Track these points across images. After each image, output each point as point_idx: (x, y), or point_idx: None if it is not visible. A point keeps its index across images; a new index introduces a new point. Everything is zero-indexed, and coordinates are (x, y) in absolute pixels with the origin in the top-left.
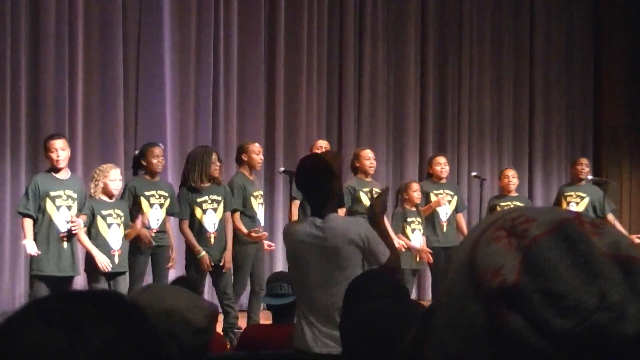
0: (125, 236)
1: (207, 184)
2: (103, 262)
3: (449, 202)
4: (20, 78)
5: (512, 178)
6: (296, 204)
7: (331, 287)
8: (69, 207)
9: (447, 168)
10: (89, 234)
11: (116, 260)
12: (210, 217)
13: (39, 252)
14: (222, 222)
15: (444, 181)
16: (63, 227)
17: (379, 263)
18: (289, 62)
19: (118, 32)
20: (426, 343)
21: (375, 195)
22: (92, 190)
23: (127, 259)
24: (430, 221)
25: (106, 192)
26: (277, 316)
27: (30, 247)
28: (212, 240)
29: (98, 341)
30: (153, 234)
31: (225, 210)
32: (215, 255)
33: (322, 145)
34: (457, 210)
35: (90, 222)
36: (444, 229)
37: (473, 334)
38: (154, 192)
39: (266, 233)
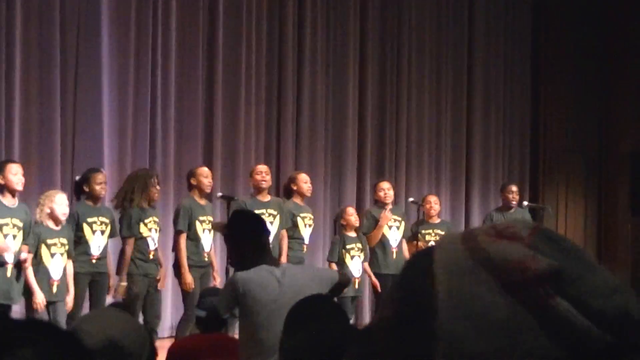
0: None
1: (146, 207)
2: (38, 301)
3: (397, 227)
4: None
5: (435, 204)
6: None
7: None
8: (14, 236)
9: (390, 193)
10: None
11: (54, 289)
12: (153, 236)
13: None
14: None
15: (389, 206)
16: (9, 258)
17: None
18: (228, 85)
19: (55, 56)
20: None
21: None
22: (37, 216)
23: (65, 286)
24: (380, 248)
25: (53, 217)
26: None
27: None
28: (151, 256)
29: None
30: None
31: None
32: (152, 272)
33: (262, 170)
34: (403, 235)
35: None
36: (394, 256)
37: (512, 327)
38: (95, 219)
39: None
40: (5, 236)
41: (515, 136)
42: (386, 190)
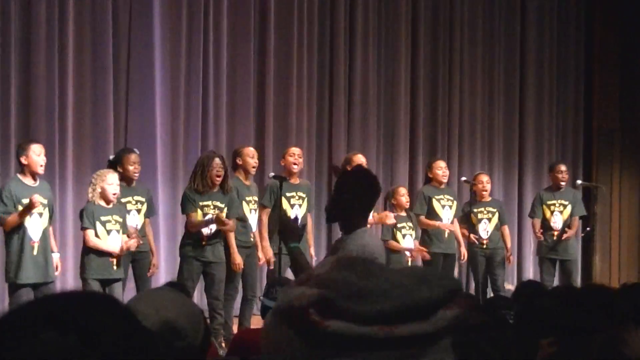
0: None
1: (211, 190)
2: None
3: (450, 207)
4: (10, 82)
5: (487, 184)
6: (267, 211)
7: None
8: (40, 214)
9: (447, 172)
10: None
11: (114, 267)
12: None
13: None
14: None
15: (443, 186)
16: (35, 236)
17: None
18: (280, 65)
19: (108, 38)
20: None
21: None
22: (89, 195)
23: (125, 266)
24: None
25: (104, 197)
26: None
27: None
28: (204, 242)
29: (106, 347)
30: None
31: (229, 217)
32: (208, 257)
33: (295, 152)
34: (454, 214)
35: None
36: (446, 236)
37: (300, 354)
38: (130, 199)
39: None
40: (30, 215)
41: (568, 116)
42: (443, 169)
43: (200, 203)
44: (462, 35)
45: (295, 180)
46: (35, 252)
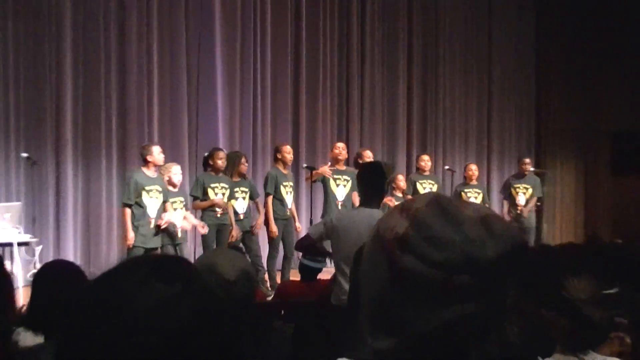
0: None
1: (238, 179)
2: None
3: (430, 189)
4: (111, 99)
5: (475, 171)
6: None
7: None
8: (157, 199)
9: (429, 163)
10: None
11: (179, 234)
12: (241, 203)
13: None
14: (249, 206)
15: (427, 173)
16: (153, 214)
17: None
18: (309, 81)
19: (182, 63)
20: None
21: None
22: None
23: (186, 233)
24: None
25: (171, 183)
26: (304, 277)
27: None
28: (242, 217)
29: (202, 292)
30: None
31: (252, 198)
32: (243, 226)
33: (340, 146)
34: None
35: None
36: None
37: (384, 278)
38: (217, 184)
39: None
40: (151, 199)
41: (523, 118)
42: (426, 161)
43: (234, 189)
44: (444, 60)
45: (341, 167)
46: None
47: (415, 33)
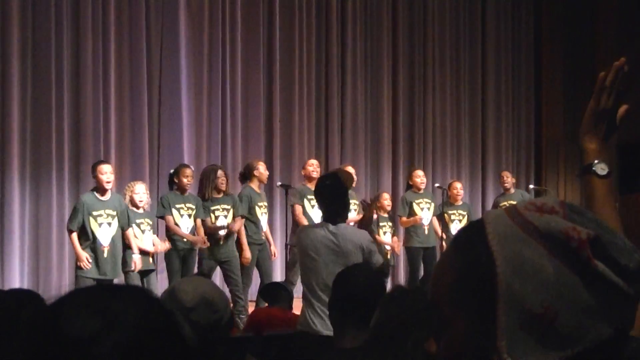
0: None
1: (218, 195)
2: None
3: (428, 209)
4: (63, 110)
5: (460, 190)
6: (299, 208)
7: None
8: (109, 224)
9: (425, 180)
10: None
11: (150, 259)
12: (222, 222)
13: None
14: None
15: (422, 191)
16: (106, 241)
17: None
18: (284, 93)
19: (143, 71)
20: (493, 304)
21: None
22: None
23: (155, 259)
24: (414, 225)
25: (133, 203)
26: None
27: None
28: (221, 240)
29: (128, 332)
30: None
31: (234, 216)
32: (223, 252)
33: (313, 163)
34: (433, 213)
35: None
36: (426, 232)
37: (558, 284)
38: (182, 205)
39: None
40: (100, 225)
41: (522, 132)
42: (421, 177)
43: (211, 208)
44: (433, 65)
45: (313, 186)
46: (105, 255)
47: (401, 38)
